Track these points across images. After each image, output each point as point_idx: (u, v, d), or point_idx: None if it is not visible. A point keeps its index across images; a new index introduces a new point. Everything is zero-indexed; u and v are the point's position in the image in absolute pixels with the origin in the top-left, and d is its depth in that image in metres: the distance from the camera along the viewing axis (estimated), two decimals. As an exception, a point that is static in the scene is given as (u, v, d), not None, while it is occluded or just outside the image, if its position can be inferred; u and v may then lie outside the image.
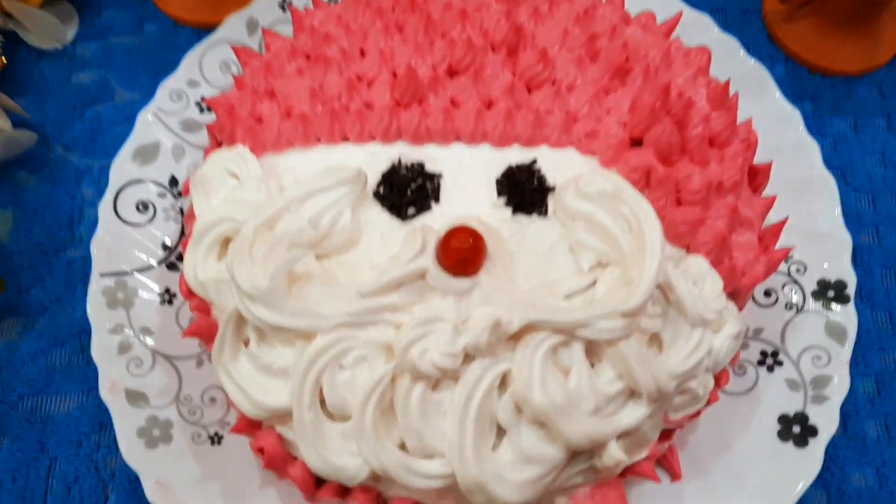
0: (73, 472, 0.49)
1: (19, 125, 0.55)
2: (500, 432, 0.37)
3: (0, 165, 0.55)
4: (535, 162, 0.41)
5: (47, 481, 0.48)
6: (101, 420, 0.50)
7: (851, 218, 0.54)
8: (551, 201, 0.40)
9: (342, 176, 0.39)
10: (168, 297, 0.49)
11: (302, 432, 0.36)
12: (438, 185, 0.41)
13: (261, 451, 0.38)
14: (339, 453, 0.36)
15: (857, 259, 0.53)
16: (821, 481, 0.49)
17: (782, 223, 0.43)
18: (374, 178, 0.41)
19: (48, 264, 0.53)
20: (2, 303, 0.52)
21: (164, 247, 0.50)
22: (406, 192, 0.40)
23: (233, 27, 0.55)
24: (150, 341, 0.48)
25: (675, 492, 0.46)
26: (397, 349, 0.35)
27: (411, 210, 0.40)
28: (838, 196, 0.51)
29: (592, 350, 0.37)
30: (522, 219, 0.40)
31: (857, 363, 0.51)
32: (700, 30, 0.55)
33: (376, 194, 0.41)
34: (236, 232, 0.39)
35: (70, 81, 0.58)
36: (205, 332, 0.41)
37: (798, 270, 0.50)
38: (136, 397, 0.46)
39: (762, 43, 0.60)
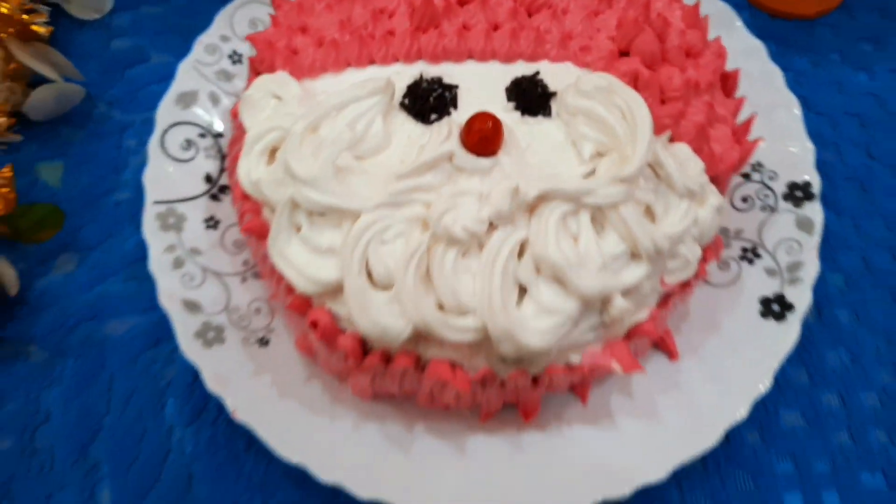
0: (132, 384, 0.53)
1: (66, 86, 0.61)
2: (521, 294, 0.43)
3: (49, 122, 0.61)
4: (537, 73, 0.48)
5: (108, 393, 0.53)
6: (156, 337, 0.55)
7: (815, 138, 0.61)
8: (554, 105, 0.47)
9: (373, 86, 0.45)
10: (213, 222, 0.55)
11: (352, 298, 0.42)
12: (455, 94, 0.47)
13: (314, 324, 0.44)
14: (386, 316, 0.42)
15: (823, 173, 0.60)
16: (800, 361, 0.56)
17: (751, 118, 0.50)
18: (399, 92, 0.47)
19: (98, 206, 0.59)
20: (58, 241, 0.57)
21: (207, 180, 0.56)
22: (428, 100, 0.46)
23: (258, -11, 0.61)
24: (200, 259, 0.53)
25: (674, 370, 0.52)
26: (432, 218, 0.41)
27: (433, 116, 0.46)
28: (801, 114, 0.58)
29: (597, 220, 0.43)
30: (530, 120, 0.46)
31: (828, 260, 0.58)
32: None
33: (402, 105, 0.47)
34: (283, 139, 0.45)
35: (109, 48, 0.64)
36: (258, 229, 0.47)
37: (770, 178, 0.57)
38: (191, 306, 0.51)
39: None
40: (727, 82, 0.50)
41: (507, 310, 0.41)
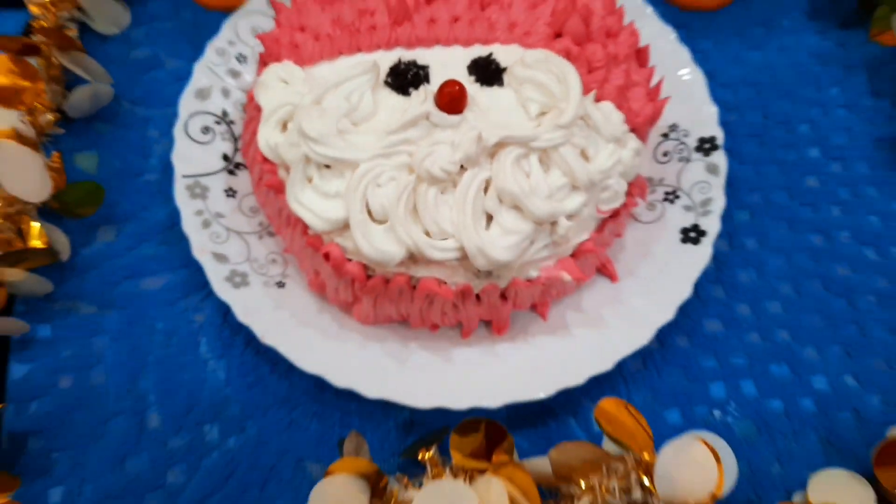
0: (171, 326, 0.64)
1: (95, 89, 0.71)
2: (489, 221, 0.55)
3: (84, 119, 0.71)
4: (491, 54, 0.60)
5: (150, 335, 0.64)
6: (187, 289, 0.65)
7: (720, 104, 0.74)
8: (505, 77, 0.59)
9: (363, 67, 0.57)
10: (231, 192, 0.66)
11: (357, 230, 0.53)
12: (428, 72, 0.59)
13: (327, 255, 0.55)
14: (384, 243, 0.53)
15: (728, 131, 0.73)
16: (718, 280, 0.68)
17: (660, 81, 0.63)
18: (383, 73, 0.59)
19: (130, 185, 0.69)
20: (99, 215, 0.67)
21: (224, 158, 0.67)
22: (407, 77, 0.58)
23: (256, 2, 0.73)
24: (223, 221, 0.64)
25: (615, 289, 0.64)
26: (416, 163, 0.53)
27: (412, 89, 0.58)
28: (706, 83, 0.71)
29: (544, 160, 0.55)
30: (487, 89, 0.59)
31: (735, 200, 0.70)
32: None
33: (386, 83, 0.59)
34: (293, 112, 0.57)
35: (129, 57, 0.75)
36: (276, 185, 0.58)
37: (684, 135, 0.70)
38: (219, 258, 0.62)
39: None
40: (640, 56, 0.64)
41: (478, 232, 0.53)
